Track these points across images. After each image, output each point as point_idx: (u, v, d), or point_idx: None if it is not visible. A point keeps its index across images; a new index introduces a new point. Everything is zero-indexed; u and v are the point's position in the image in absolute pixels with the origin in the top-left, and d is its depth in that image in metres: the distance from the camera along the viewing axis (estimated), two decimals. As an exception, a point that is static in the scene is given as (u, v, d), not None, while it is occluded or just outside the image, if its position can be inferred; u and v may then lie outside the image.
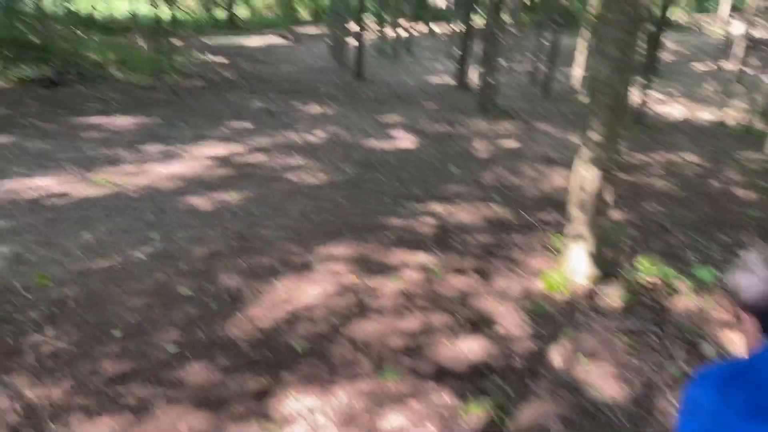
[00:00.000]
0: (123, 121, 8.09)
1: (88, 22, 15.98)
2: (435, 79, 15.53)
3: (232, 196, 5.22)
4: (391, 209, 5.16)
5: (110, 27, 19.02)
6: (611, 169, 3.52)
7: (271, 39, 25.21)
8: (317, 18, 33.81)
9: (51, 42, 11.48)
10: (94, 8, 16.38)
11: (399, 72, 16.81)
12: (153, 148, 6.86)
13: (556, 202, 5.46)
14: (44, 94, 9.25)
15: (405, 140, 7.98)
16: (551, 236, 4.53)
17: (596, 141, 3.52)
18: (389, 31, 23.51)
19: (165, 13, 16.40)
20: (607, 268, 3.74)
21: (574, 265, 3.71)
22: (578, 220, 3.66)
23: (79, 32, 13.57)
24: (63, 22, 12.86)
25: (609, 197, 3.59)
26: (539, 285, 3.69)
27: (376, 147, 7.51)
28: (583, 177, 3.60)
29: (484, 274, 3.94)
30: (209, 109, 9.32)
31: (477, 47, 17.17)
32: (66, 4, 15.68)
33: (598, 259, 3.67)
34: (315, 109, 9.93)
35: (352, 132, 8.24)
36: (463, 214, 5.16)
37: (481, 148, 7.83)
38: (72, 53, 10.98)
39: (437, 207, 5.31)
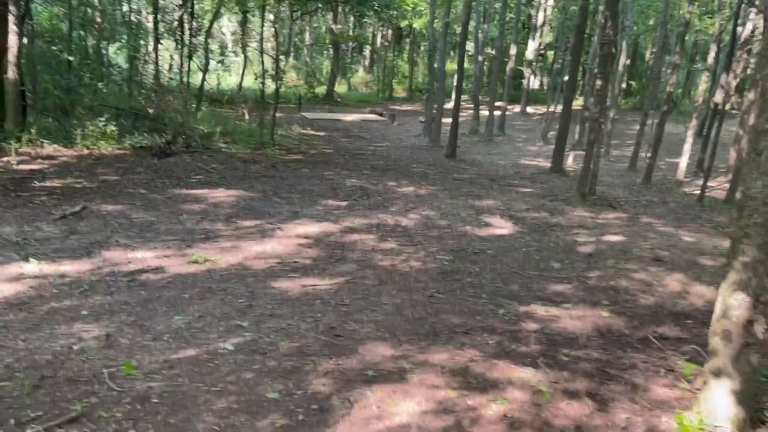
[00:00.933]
0: (223, 194, 8.50)
1: (199, 95, 17.65)
2: (529, 162, 15.37)
3: (323, 282, 5.15)
4: (490, 309, 4.84)
5: (218, 99, 21.08)
6: (762, 297, 3.13)
7: (367, 115, 26.65)
8: (412, 96, 35.58)
9: (165, 113, 12.66)
10: (206, 81, 18.14)
11: (492, 153, 16.92)
12: (249, 223, 7.09)
13: (675, 315, 4.91)
14: (154, 163, 10.05)
15: (501, 227, 7.75)
16: (677, 360, 4.04)
17: (746, 264, 3.10)
18: (484, 111, 24.01)
19: (270, 87, 17.87)
20: (756, 412, 3.32)
21: (715, 406, 3.28)
22: (721, 353, 3.28)
23: (190, 104, 14.97)
24: (177, 94, 14.22)
25: (759, 329, 3.17)
26: (670, 425, 3.24)
27: (471, 233, 7.32)
28: (729, 304, 3.22)
29: (600, 401, 3.49)
30: (305, 185, 9.66)
31: (572, 129, 16.97)
32: (179, 76, 17.51)
33: (744, 401, 3.24)
34: (408, 189, 10.03)
35: (446, 216, 8.14)
36: (570, 320, 4.74)
37: (583, 240, 7.44)
38: (182, 124, 11.98)
39: (540, 309, 4.93)
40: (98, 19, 16.62)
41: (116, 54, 19.36)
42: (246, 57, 25.01)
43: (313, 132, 18.52)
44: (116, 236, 6.20)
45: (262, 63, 14.66)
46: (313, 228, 7.05)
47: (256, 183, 9.53)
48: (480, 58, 21.59)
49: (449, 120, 15.48)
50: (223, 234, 6.55)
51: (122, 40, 17.98)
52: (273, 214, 7.59)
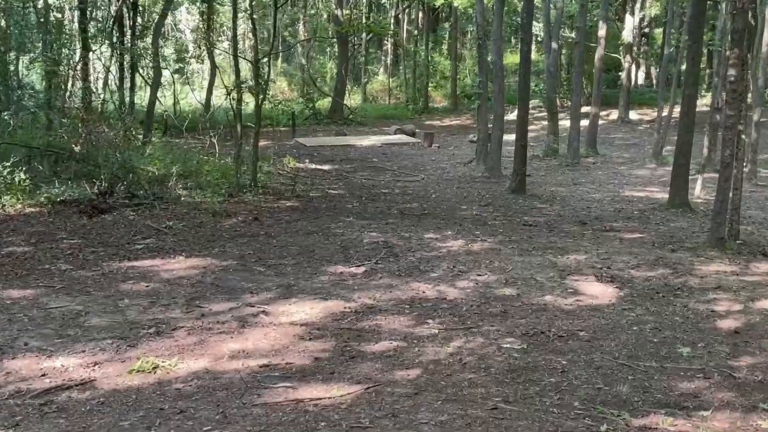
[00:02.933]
0: (183, 265, 8.62)
1: (148, 121, 18.11)
2: (637, 193, 15.34)
3: (331, 393, 5.10)
4: (587, 425, 4.71)
5: (175, 126, 21.81)
6: None
7: (392, 136, 27.17)
8: (457, 105, 36.24)
9: (97, 150, 12.96)
10: (157, 101, 18.52)
11: (580, 182, 16.99)
12: (220, 306, 7.13)
13: None
14: (82, 225, 10.28)
15: (598, 295, 7.66)
16: None
17: None
18: (565, 122, 24.17)
19: (249, 104, 18.39)
20: None
21: None
22: None
23: (135, 135, 15.29)
24: (115, 122, 14.52)
25: None
26: None
27: (552, 307, 7.23)
28: None
29: None
30: (303, 245, 9.77)
31: (698, 142, 16.92)
32: (119, 96, 17.71)
33: None
34: (456, 243, 10.05)
35: (514, 281, 8.09)
36: (714, 438, 4.59)
37: (724, 310, 7.29)
38: (123, 165, 12.28)
39: (664, 422, 4.78)
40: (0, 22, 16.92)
41: (28, 70, 19.91)
42: (214, 63, 26.02)
43: (314, 165, 18.87)
44: (25, 336, 6.28)
45: (237, 71, 15.17)
46: (315, 309, 7.05)
47: (232, 246, 9.66)
48: (554, 45, 21.89)
49: (513, 137, 15.65)
50: (182, 325, 6.58)
51: (36, 50, 18.13)
52: (256, 292, 7.64)
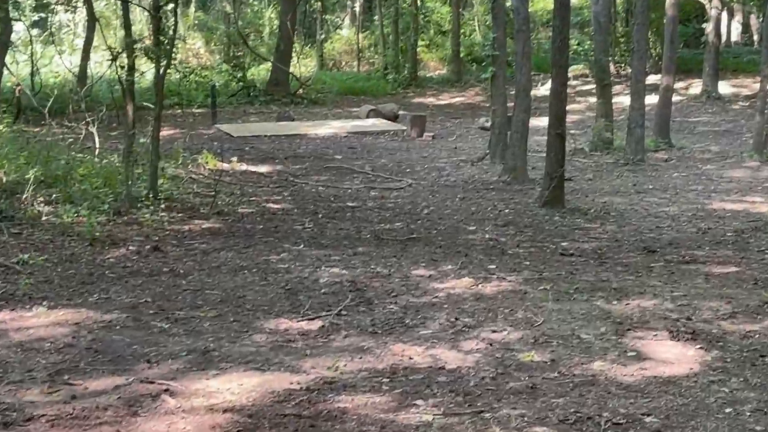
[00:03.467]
0: (44, 321, 8.49)
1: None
2: (731, 206, 15.47)
3: None
4: None
5: (33, 109, 21.51)
6: None
7: (364, 121, 27.23)
8: (460, 74, 36.16)
9: None
10: (8, 70, 18.31)
11: (645, 189, 17.20)
12: (101, 383, 7.04)
13: None
14: None
15: (670, 360, 7.66)
16: None
17: None
18: (621, 98, 24.24)
19: (146, 75, 18.19)
20: None
21: None
22: None
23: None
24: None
25: None
26: None
27: (602, 378, 7.23)
28: None
29: None
30: (228, 288, 9.72)
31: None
32: None
33: None
34: (458, 282, 10.09)
35: (545, 341, 8.09)
36: None
37: None
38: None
39: None
40: None
41: None
42: (92, 12, 25.92)
43: (244, 166, 18.85)
44: None
45: (127, 24, 15.13)
46: (245, 386, 6.99)
47: (119, 290, 9.57)
48: (603, -17, 22.08)
49: (544, 122, 15.71)
50: (41, 413, 6.49)
51: None
52: (156, 360, 7.57)
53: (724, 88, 31.31)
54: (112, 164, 15.33)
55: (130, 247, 11.34)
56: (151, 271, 10.33)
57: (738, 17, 38.59)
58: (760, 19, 34.06)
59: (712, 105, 29.56)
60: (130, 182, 13.52)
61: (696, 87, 31.66)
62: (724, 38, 34.30)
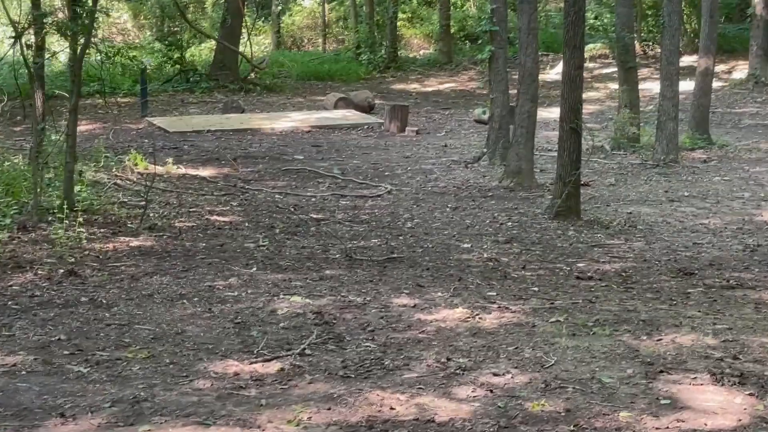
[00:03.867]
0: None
1: None
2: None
3: None
4: None
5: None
6: None
7: (331, 112, 27.20)
8: (451, 54, 36.06)
9: None
10: None
11: (679, 197, 17.29)
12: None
13: None
14: None
15: (713, 410, 7.63)
16: None
17: None
18: (649, 85, 24.15)
19: (58, 58, 18.00)
20: None
21: None
22: None
23: None
24: None
25: None
26: None
27: (633, 434, 7.22)
28: None
29: None
30: (163, 321, 9.64)
31: None
32: None
33: None
34: (450, 312, 10.07)
35: (558, 384, 8.06)
36: None
37: None
38: None
39: None
40: None
41: None
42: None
43: (182, 170, 18.75)
44: None
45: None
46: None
47: (25, 325, 9.47)
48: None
49: (555, 114, 15.68)
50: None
51: None
52: (72, 413, 7.48)
53: (776, 71, 31.49)
54: (16, 167, 15.21)
55: (39, 272, 11.20)
56: (65, 301, 10.21)
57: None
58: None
59: (761, 92, 29.64)
60: (39, 190, 13.41)
61: (741, 71, 31.77)
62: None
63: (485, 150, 19.93)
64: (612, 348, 8.98)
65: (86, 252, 12.21)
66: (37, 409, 7.57)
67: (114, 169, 17.46)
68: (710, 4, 22.55)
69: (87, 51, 14.51)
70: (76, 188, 14.23)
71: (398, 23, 36.71)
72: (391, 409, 7.60)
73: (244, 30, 33.12)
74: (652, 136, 20.99)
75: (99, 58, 16.16)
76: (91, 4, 14.67)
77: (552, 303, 10.50)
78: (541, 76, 18.31)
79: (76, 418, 7.39)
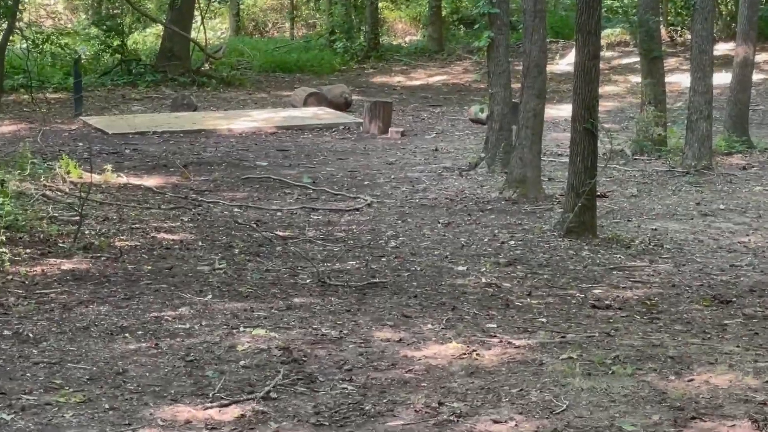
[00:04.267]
0: None
1: None
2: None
3: None
4: None
5: None
6: None
7: (300, 111, 27.18)
8: (442, 42, 36.05)
9: None
10: None
11: (712, 209, 17.35)
12: None
13: None
14: None
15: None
16: None
17: None
18: (678, 77, 24.16)
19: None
20: None
21: None
22: None
23: None
24: None
25: None
26: None
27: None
28: None
29: None
30: (100, 359, 9.61)
31: None
32: None
33: None
34: (442, 348, 10.08)
35: (571, 434, 8.10)
36: None
37: None
38: None
39: None
40: None
41: None
42: None
43: (124, 178, 18.71)
44: None
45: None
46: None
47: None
48: None
49: (566, 112, 15.69)
50: None
51: None
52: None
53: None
54: None
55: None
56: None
57: None
58: None
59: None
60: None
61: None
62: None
63: (483, 155, 19.98)
64: (634, 390, 9.00)
65: (9, 277, 12.18)
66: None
67: (43, 178, 17.42)
68: (748, -17, 22.67)
69: (10, 38, 14.51)
70: (-3, 201, 14.23)
71: (380, 4, 36.74)
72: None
73: (197, 12, 33.12)
74: (681, 138, 21.06)
75: (25, 46, 16.18)
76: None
77: (563, 336, 10.52)
78: (549, 68, 18.33)
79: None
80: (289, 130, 24.98)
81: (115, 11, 33.66)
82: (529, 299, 12.00)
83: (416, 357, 9.81)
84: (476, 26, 24.55)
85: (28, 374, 9.27)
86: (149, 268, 12.97)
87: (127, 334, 10.33)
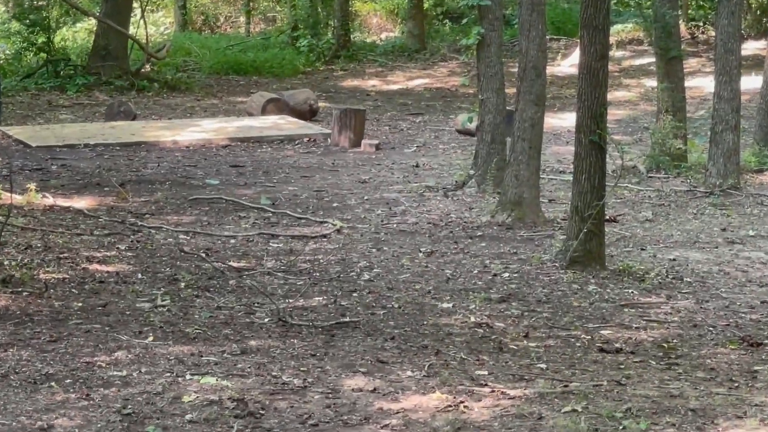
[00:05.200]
0: None
1: None
2: None
3: None
4: None
5: None
6: None
7: (258, 120, 27.23)
8: (425, 40, 36.10)
9: None
10: None
11: (740, 236, 17.49)
12: None
13: None
14: None
15: None
16: None
17: None
18: (698, 81, 24.23)
19: None
20: None
21: None
22: None
23: None
24: None
25: None
26: None
27: None
28: None
29: None
30: (18, 412, 9.57)
31: None
32: None
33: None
34: (423, 399, 10.08)
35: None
36: None
37: None
38: None
39: None
40: None
41: None
42: None
43: (51, 199, 18.71)
44: None
45: None
46: None
47: None
48: None
49: (569, 122, 15.72)
50: None
51: None
52: None
53: None
54: None
55: None
56: None
57: None
58: None
59: None
60: None
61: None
62: None
63: (472, 172, 20.03)
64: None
65: None
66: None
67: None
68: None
69: None
70: None
71: (353, -2, 36.87)
72: None
73: (136, 5, 33.19)
74: (705, 152, 21.15)
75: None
76: None
77: (566, 386, 10.53)
78: (549, 69, 18.37)
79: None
80: (245, 142, 25.01)
81: (40, 3, 33.57)
82: (525, 341, 12.02)
83: (393, 410, 9.81)
84: (464, 21, 24.69)
85: (-64, 432, 9.27)
86: (79, 305, 12.95)
87: (53, 383, 10.31)
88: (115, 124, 26.32)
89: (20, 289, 13.42)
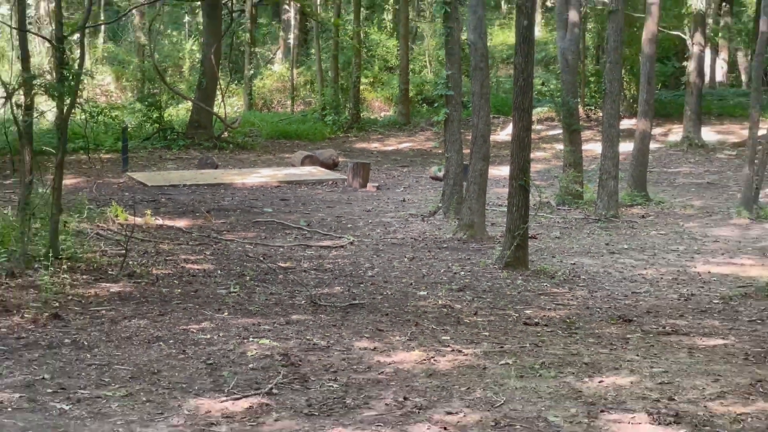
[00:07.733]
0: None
1: None
2: (715, 268, 15.64)
3: None
4: None
5: None
6: None
7: (298, 169, 27.27)
8: (410, 116, 36.25)
9: None
10: None
11: (619, 250, 17.33)
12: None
13: None
14: None
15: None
16: None
17: None
18: (592, 146, 24.26)
19: (46, 116, 17.90)
20: None
21: None
22: None
23: None
24: None
25: None
26: None
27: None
28: None
29: None
30: (140, 362, 9.57)
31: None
32: None
33: None
34: (407, 355, 10.04)
35: (507, 423, 8.04)
36: None
37: None
38: None
39: None
40: None
41: None
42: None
43: (159, 220, 18.71)
44: None
45: (25, 55, 15.05)
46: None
47: (11, 365, 9.39)
48: (573, 15, 22.32)
49: (506, 172, 15.75)
50: None
51: None
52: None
53: (708, 134, 31.69)
54: (5, 218, 15.12)
55: (26, 315, 11.11)
56: (49, 342, 10.14)
57: (723, 55, 39.09)
58: (749, 57, 34.54)
59: (695, 154, 29.90)
60: (26, 239, 13.34)
61: (676, 133, 32.01)
62: (707, 78, 34.66)
63: (440, 204, 19.98)
64: (557, 389, 8.98)
65: (69, 297, 12.13)
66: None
67: (96, 220, 17.40)
68: (648, 72, 22.79)
69: (72, 111, 14.49)
70: (61, 238, 14.17)
71: (361, 87, 36.83)
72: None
73: (218, 92, 33.14)
74: (594, 193, 21.14)
75: (84, 117, 16.12)
76: (76, 68, 14.70)
77: (502, 347, 10.51)
78: (492, 137, 18.41)
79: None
80: (289, 184, 24.95)
81: (155, 90, 33.65)
82: (475, 317, 12.00)
83: (387, 362, 9.78)
84: (436, 105, 24.68)
85: (83, 374, 9.22)
86: (179, 291, 12.93)
87: (161, 343, 10.29)
88: (204, 172, 26.25)
89: (139, 281, 13.38)
